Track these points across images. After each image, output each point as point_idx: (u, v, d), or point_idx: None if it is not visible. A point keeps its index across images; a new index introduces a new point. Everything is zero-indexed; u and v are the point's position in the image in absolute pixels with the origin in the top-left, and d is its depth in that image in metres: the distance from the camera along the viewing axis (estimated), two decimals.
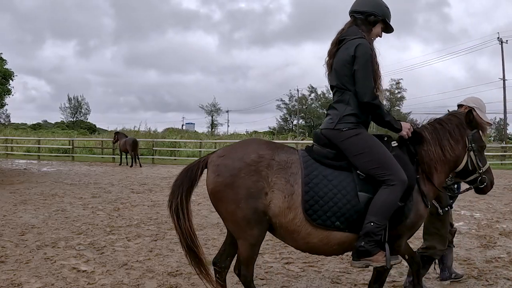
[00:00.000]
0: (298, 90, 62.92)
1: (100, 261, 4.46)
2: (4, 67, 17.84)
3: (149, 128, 32.71)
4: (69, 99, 64.38)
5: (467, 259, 4.63)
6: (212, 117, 66.67)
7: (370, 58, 2.80)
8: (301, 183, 2.73)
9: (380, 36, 3.05)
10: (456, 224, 6.48)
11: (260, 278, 3.97)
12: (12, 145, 27.97)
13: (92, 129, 53.46)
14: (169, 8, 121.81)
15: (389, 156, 2.78)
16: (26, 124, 60.46)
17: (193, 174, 2.93)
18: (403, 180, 2.70)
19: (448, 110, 3.40)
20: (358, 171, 2.80)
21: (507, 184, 12.72)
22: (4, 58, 18.26)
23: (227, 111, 71.88)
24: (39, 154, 25.37)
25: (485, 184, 3.07)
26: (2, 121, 56.82)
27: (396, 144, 2.94)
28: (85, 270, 4.14)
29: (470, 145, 3.02)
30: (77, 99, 64.56)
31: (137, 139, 19.90)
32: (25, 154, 26.37)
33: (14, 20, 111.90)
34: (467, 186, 3.22)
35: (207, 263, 3.03)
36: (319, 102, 62.26)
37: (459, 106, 3.69)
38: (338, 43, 2.94)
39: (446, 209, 3.47)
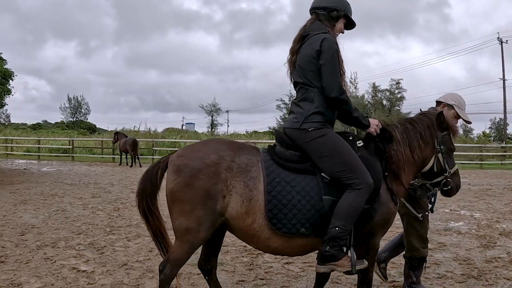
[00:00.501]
0: None
1: (100, 261, 4.46)
2: (4, 67, 17.82)
3: (149, 128, 32.76)
4: (69, 99, 64.41)
5: (467, 259, 4.63)
6: (212, 117, 66.58)
7: (336, 52, 2.74)
8: (262, 189, 2.64)
9: (343, 32, 2.98)
10: (456, 224, 6.52)
11: (260, 278, 3.97)
12: (12, 145, 27.95)
13: (92, 129, 53.44)
14: (170, 8, 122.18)
15: (355, 158, 2.70)
16: (26, 124, 60.43)
17: (154, 176, 2.88)
18: (370, 183, 2.62)
19: (420, 109, 3.36)
20: (322, 174, 2.71)
21: (507, 184, 12.73)
22: (4, 58, 18.25)
23: (227, 111, 71.88)
24: (39, 154, 25.34)
25: (449, 187, 3.03)
26: (2, 121, 56.74)
27: (362, 144, 2.87)
28: (85, 270, 4.14)
29: (439, 147, 2.99)
30: (77, 99, 64.58)
31: (137, 139, 19.93)
32: (25, 154, 26.36)
33: (15, 20, 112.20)
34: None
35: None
36: None
37: (438, 102, 3.57)
38: (301, 39, 2.87)
39: (427, 213, 3.44)
